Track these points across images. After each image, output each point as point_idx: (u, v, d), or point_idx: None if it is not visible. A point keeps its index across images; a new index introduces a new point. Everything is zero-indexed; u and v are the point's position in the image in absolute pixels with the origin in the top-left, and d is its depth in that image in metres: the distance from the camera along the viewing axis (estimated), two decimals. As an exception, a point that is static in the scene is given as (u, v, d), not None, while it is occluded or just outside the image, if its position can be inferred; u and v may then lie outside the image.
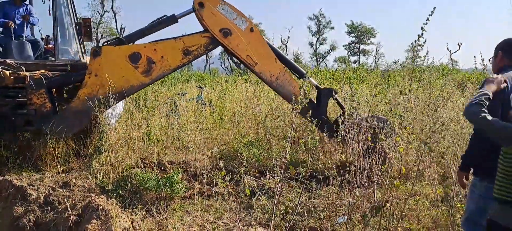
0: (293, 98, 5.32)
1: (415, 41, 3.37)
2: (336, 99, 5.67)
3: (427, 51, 6.43)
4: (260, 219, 3.98)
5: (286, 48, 45.73)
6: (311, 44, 52.39)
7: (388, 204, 2.40)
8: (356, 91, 4.92)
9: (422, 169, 4.01)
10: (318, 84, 5.87)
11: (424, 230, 3.61)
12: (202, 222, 3.98)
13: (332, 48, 52.20)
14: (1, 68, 5.23)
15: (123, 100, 6.43)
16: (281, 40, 46.81)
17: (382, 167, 3.22)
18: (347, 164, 3.42)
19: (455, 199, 3.33)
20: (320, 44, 52.14)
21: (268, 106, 8.00)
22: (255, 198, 4.05)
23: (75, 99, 5.36)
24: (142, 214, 4.01)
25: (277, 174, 3.08)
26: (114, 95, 5.18)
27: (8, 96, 5.37)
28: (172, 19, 5.51)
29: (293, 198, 4.12)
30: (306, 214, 3.79)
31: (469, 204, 2.81)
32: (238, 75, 15.95)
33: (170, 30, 5.41)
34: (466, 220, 2.82)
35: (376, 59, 52.45)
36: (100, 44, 5.60)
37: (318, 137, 2.94)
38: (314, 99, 5.78)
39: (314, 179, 3.73)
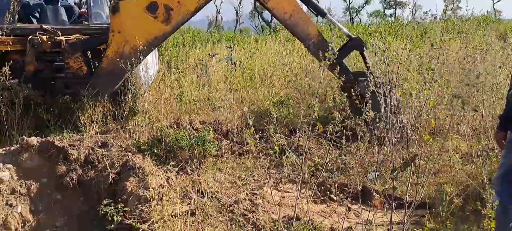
0: (310, 42, 5.32)
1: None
2: (362, 54, 5.53)
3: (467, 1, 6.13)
4: (290, 175, 4.06)
5: (318, 1, 44.47)
6: (344, -2, 50.76)
7: (417, 159, 2.39)
8: (389, 45, 4.80)
9: (455, 123, 3.93)
10: (349, 33, 5.66)
11: (457, 186, 3.58)
12: (233, 179, 4.11)
13: (367, 1, 50.33)
14: (39, 33, 5.43)
15: (156, 62, 6.54)
16: (312, -4, 45.49)
17: (414, 122, 3.18)
18: (377, 120, 3.40)
19: (490, 153, 3.26)
20: (354, -3, 50.41)
21: (298, 64, 7.94)
22: (284, 156, 4.12)
23: (104, 59, 5.45)
24: (176, 171, 4.17)
25: (305, 131, 3.10)
26: (141, 49, 5.23)
27: (46, 61, 5.60)
28: None
29: (322, 155, 4.15)
30: (335, 171, 3.83)
31: (506, 160, 2.74)
32: (269, 34, 15.81)
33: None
34: (501, 175, 2.77)
35: (413, 12, 50.28)
36: None
37: (346, 94, 2.93)
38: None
39: (344, 136, 3.74)
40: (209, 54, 10.66)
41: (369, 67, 5.34)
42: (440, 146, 2.96)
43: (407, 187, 2.63)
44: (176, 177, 4.03)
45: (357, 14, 50.04)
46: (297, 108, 5.54)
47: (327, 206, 3.74)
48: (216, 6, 46.19)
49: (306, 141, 2.77)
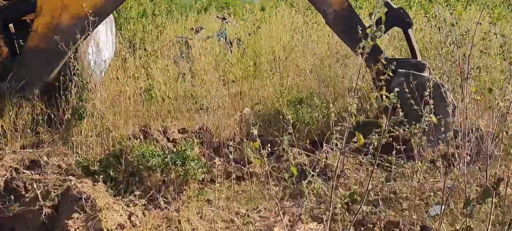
0: (330, 10, 5.38)
1: None
2: (406, 33, 5.56)
3: None
4: (313, 210, 4.06)
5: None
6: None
7: (503, 185, 2.39)
8: (459, 17, 4.79)
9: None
10: (389, 1, 5.68)
11: None
12: (229, 216, 4.11)
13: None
14: None
15: (113, 41, 6.55)
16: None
17: (496, 131, 3.18)
18: (442, 129, 3.40)
19: None
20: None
21: (324, 44, 7.96)
22: (305, 181, 4.10)
23: (31, 35, 5.46)
24: (143, 204, 4.18)
25: (336, 144, 3.11)
26: (87, 18, 5.22)
27: None
28: None
29: (362, 180, 4.15)
30: (381, 203, 3.82)
31: None
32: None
33: None
34: None
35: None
36: None
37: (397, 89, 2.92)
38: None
39: (394, 152, 3.73)
40: (192, 29, 10.72)
41: (416, 53, 5.36)
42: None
43: (488, 228, 2.63)
44: (143, 213, 4.04)
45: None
46: (324, 110, 5.53)
47: (369, 255, 3.74)
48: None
49: (338, 158, 2.77)
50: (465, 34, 4.47)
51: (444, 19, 4.51)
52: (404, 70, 5.05)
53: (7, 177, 4.22)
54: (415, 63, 5.29)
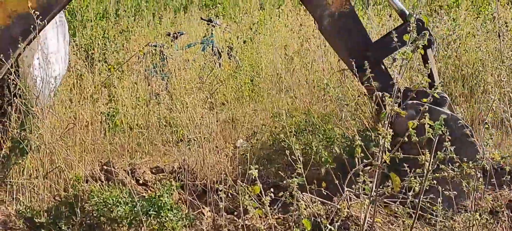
0: (326, 13, 5.41)
1: None
2: (425, 51, 5.52)
3: None
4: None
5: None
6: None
7: None
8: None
9: None
10: (404, 7, 5.70)
11: None
12: None
13: None
14: None
15: (65, 51, 6.57)
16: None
17: None
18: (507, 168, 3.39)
19: None
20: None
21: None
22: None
23: None
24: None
25: (364, 189, 3.10)
26: (29, 17, 5.27)
27: None
28: None
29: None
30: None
31: None
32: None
33: None
34: None
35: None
36: None
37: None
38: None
39: (439, 199, 3.71)
40: (168, 35, 10.75)
41: (435, 81, 5.38)
42: None
43: None
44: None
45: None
46: (344, 141, 5.52)
47: None
48: None
49: (367, 208, 2.76)
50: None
51: (506, 22, 4.51)
52: (415, 102, 5.06)
53: None
54: (432, 95, 5.28)
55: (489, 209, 3.93)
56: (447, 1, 9.07)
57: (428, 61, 5.54)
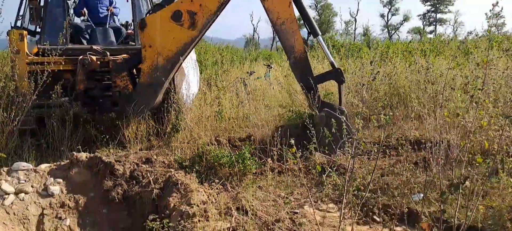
0: (293, 56, 5.27)
1: (490, 10, 3.07)
2: (340, 87, 5.38)
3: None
4: (331, 195, 3.99)
5: (355, 21, 44.21)
6: (382, 15, 50.17)
7: (467, 182, 2.28)
8: (432, 64, 4.65)
9: (504, 144, 3.74)
10: (334, 61, 5.46)
11: (508, 209, 3.39)
12: (274, 197, 4.08)
13: (406, 19, 49.61)
14: (89, 53, 5.69)
15: (198, 80, 6.66)
16: (350, 13, 45.41)
17: (461, 143, 3.06)
18: (423, 141, 3.29)
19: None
20: (392, 15, 49.67)
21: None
22: (325, 175, 4.06)
23: (141, 75, 5.60)
24: (217, 188, 4.20)
25: (348, 150, 3.05)
26: (174, 58, 5.37)
27: (95, 80, 5.84)
28: None
29: (365, 175, 4.06)
30: (379, 191, 3.72)
31: None
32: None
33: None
34: None
35: (455, 29, 48.89)
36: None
37: (391, 113, 2.87)
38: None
39: (387, 156, 3.65)
40: (247, 72, 10.79)
41: (342, 103, 5.28)
42: (491, 167, 2.82)
43: (456, 210, 2.52)
44: (217, 194, 4.06)
45: (396, 31, 49.21)
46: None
47: (370, 227, 3.63)
48: (253, 24, 46.87)
49: (351, 160, 2.72)
50: (440, 76, 4.35)
51: (421, 65, 4.38)
52: (327, 109, 5.08)
53: (131, 169, 4.30)
54: (339, 108, 5.19)
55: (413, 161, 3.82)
56: (389, 55, 8.90)
57: (341, 92, 5.42)
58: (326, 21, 48.06)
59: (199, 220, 3.34)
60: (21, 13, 6.39)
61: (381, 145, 2.68)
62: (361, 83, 6.31)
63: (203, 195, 3.82)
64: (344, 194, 2.87)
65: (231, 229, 3.32)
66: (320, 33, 5.39)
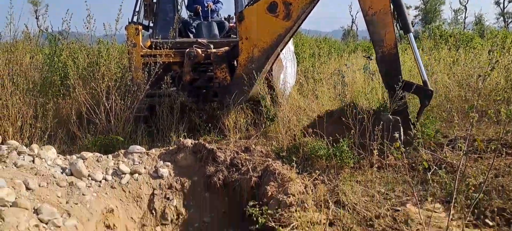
0: (381, 50, 4.82)
1: None
2: (421, 108, 4.90)
3: None
4: (437, 194, 3.71)
5: (466, 9, 40.37)
6: (497, 2, 44.93)
7: None
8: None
9: None
10: (426, 78, 4.90)
11: None
12: (372, 192, 3.93)
13: (526, 4, 43.78)
14: (194, 46, 6.04)
15: (295, 72, 6.67)
16: (460, 1, 41.53)
17: None
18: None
19: None
20: (509, 1, 44.17)
21: (445, 75, 7.28)
22: (430, 173, 3.79)
23: (238, 67, 5.73)
24: (314, 180, 4.17)
25: (460, 146, 2.81)
26: (269, 49, 5.41)
27: (200, 71, 6.19)
28: None
29: (476, 175, 3.70)
30: (493, 193, 3.37)
31: None
32: (407, 44, 14.82)
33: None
34: None
35: None
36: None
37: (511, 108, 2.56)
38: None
39: (503, 155, 3.28)
40: (345, 65, 10.51)
41: (414, 125, 4.73)
42: None
43: None
44: (314, 186, 4.04)
45: (513, 19, 43.81)
46: (447, 121, 5.04)
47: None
48: (352, 15, 45.53)
49: (463, 158, 2.49)
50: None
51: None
52: (388, 116, 4.75)
53: (231, 157, 4.49)
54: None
55: None
56: (507, 45, 7.93)
57: (421, 110, 5.04)
58: (433, 10, 44.54)
59: (296, 210, 3.36)
60: (137, 9, 6.99)
61: (499, 142, 2.41)
62: (478, 74, 5.72)
63: (300, 185, 3.84)
64: (454, 194, 2.65)
65: (328, 221, 3.28)
66: (412, 31, 4.93)
